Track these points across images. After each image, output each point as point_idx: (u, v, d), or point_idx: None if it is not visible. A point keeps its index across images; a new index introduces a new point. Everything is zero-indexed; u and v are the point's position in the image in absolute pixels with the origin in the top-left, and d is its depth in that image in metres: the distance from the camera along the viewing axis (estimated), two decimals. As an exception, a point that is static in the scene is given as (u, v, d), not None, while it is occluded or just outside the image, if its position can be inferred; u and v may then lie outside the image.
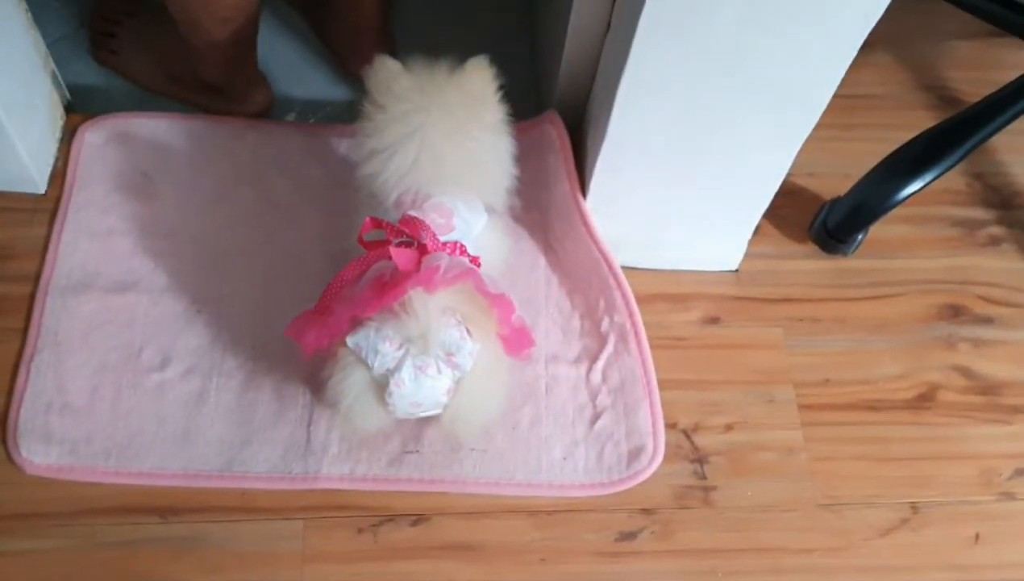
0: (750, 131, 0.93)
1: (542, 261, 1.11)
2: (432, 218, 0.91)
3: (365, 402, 0.89)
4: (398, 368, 0.85)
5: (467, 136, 0.93)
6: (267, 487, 0.96)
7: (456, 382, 0.88)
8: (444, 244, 0.90)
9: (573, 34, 1.01)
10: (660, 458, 1.00)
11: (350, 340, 0.86)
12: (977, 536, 1.01)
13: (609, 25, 0.97)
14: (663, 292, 1.11)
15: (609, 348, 1.05)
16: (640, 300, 1.08)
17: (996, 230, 1.20)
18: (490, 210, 0.97)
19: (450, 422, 0.91)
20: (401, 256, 0.85)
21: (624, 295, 1.06)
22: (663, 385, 1.04)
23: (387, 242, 0.88)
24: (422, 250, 0.87)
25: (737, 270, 1.13)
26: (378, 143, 0.92)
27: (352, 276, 0.89)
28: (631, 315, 1.05)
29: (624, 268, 1.09)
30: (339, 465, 0.97)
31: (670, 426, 1.03)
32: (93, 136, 1.13)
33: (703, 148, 0.95)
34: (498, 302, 0.88)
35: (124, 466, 0.96)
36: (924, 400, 1.08)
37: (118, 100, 1.19)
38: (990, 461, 1.05)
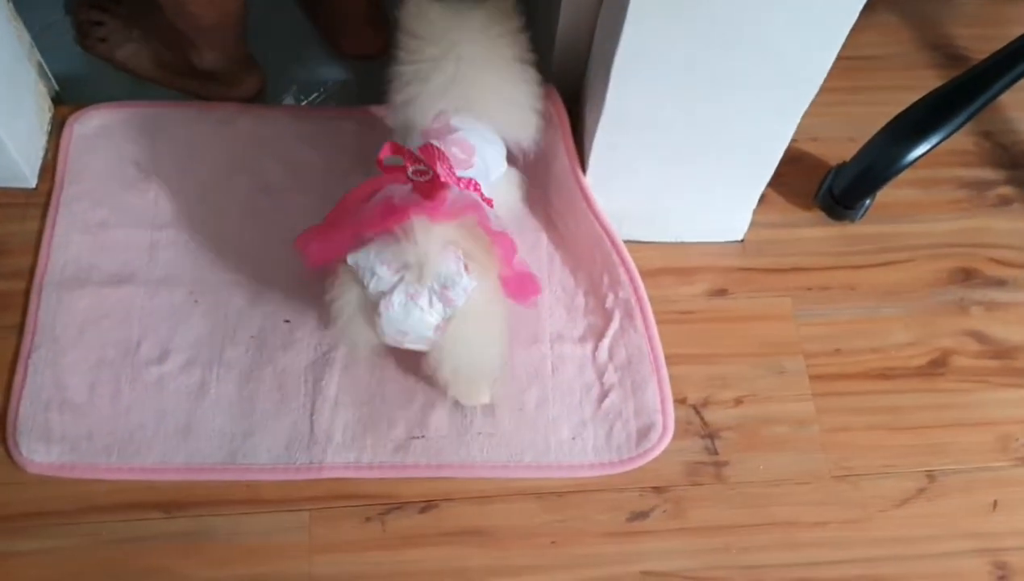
0: (750, 102, 0.90)
1: (544, 238, 1.09)
2: (453, 152, 0.91)
3: (357, 321, 0.89)
4: (390, 292, 0.85)
5: (497, 63, 0.97)
6: (271, 478, 0.95)
7: (446, 320, 0.87)
8: (459, 179, 0.90)
9: (567, 5, 0.99)
10: (670, 435, 0.99)
11: (350, 258, 0.87)
12: (995, 503, 0.99)
13: (603, -4, 0.94)
14: (668, 265, 1.09)
15: (615, 325, 1.03)
16: (645, 274, 1.06)
17: (1006, 190, 1.17)
18: (512, 158, 1.01)
19: (438, 363, 0.89)
20: (416, 182, 0.86)
21: (628, 270, 1.04)
22: (671, 360, 1.02)
23: (403, 168, 0.87)
24: (435, 180, 0.86)
25: (743, 240, 1.11)
26: (416, 64, 0.96)
27: (364, 194, 0.91)
28: (636, 290, 1.03)
29: (627, 242, 1.07)
30: (344, 453, 0.96)
31: (679, 402, 1.01)
32: (82, 127, 1.11)
33: (703, 120, 0.93)
34: (500, 240, 0.88)
35: (126, 462, 0.95)
36: (937, 366, 1.06)
37: (108, 88, 1.17)
38: (1006, 426, 1.03)
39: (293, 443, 0.96)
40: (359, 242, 0.86)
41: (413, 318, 0.86)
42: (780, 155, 1.00)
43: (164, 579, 0.91)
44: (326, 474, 0.95)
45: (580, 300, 1.06)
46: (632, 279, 1.04)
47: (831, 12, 0.81)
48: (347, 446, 0.96)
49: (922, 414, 1.03)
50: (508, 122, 0.99)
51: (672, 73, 0.88)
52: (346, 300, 0.88)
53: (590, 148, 1.00)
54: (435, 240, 0.84)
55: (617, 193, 1.03)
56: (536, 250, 1.08)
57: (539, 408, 1.00)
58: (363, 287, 0.87)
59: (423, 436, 0.98)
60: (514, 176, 1.04)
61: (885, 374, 1.05)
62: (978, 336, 1.08)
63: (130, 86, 1.17)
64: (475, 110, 0.96)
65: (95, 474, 0.94)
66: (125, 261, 1.04)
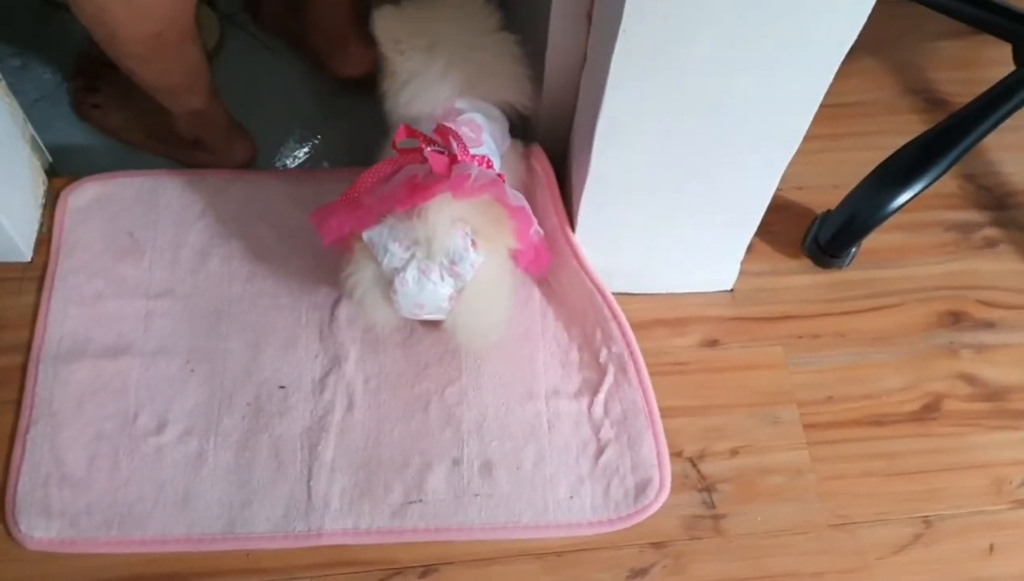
0: (732, 160, 0.92)
1: (537, 293, 1.10)
2: (464, 131, 0.96)
3: (373, 295, 0.95)
4: (404, 268, 0.91)
5: (480, 40, 1.02)
6: (271, 547, 0.95)
7: (458, 291, 0.93)
8: (473, 156, 0.94)
9: (551, 68, 1.00)
10: (667, 490, 0.99)
11: (366, 235, 0.92)
12: (992, 547, 1.00)
13: (585, 57, 0.96)
14: (660, 317, 1.10)
15: (609, 379, 1.04)
16: (638, 327, 1.07)
17: (992, 232, 1.19)
18: (513, 128, 1.06)
19: (452, 330, 0.97)
20: (436, 160, 0.90)
21: (620, 325, 1.05)
22: (666, 413, 1.03)
23: (419, 149, 0.93)
24: (452, 159, 0.91)
25: (732, 290, 1.12)
26: (407, 63, 1.01)
27: (385, 173, 0.94)
28: (628, 344, 1.04)
29: (619, 295, 1.08)
30: (342, 520, 0.96)
31: (675, 455, 1.02)
32: (76, 199, 1.12)
33: (686, 179, 0.94)
34: (518, 214, 0.94)
35: (126, 534, 0.95)
36: (929, 411, 1.06)
37: (101, 159, 1.18)
38: (1000, 469, 1.04)
39: (291, 510, 0.97)
40: (379, 220, 0.92)
41: (427, 292, 0.92)
42: (765, 207, 1.01)
43: (166, 653, 0.91)
44: (325, 541, 0.96)
45: (574, 355, 1.06)
46: (624, 333, 1.05)
47: (807, 74, 0.83)
48: (345, 512, 0.97)
49: (916, 459, 1.04)
50: (506, 92, 1.04)
51: (654, 136, 0.89)
52: (362, 276, 0.94)
53: (578, 208, 1.01)
54: (444, 217, 0.89)
55: (606, 249, 1.05)
56: (529, 305, 1.09)
57: (536, 467, 1.00)
58: (378, 264, 0.92)
59: (420, 500, 0.98)
60: (519, 146, 1.08)
61: (878, 420, 1.06)
62: (969, 379, 1.09)
63: (124, 155, 1.19)
64: (474, 89, 1.01)
65: (95, 548, 0.94)
66: (121, 332, 1.04)
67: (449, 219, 0.90)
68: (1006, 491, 1.02)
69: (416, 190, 0.89)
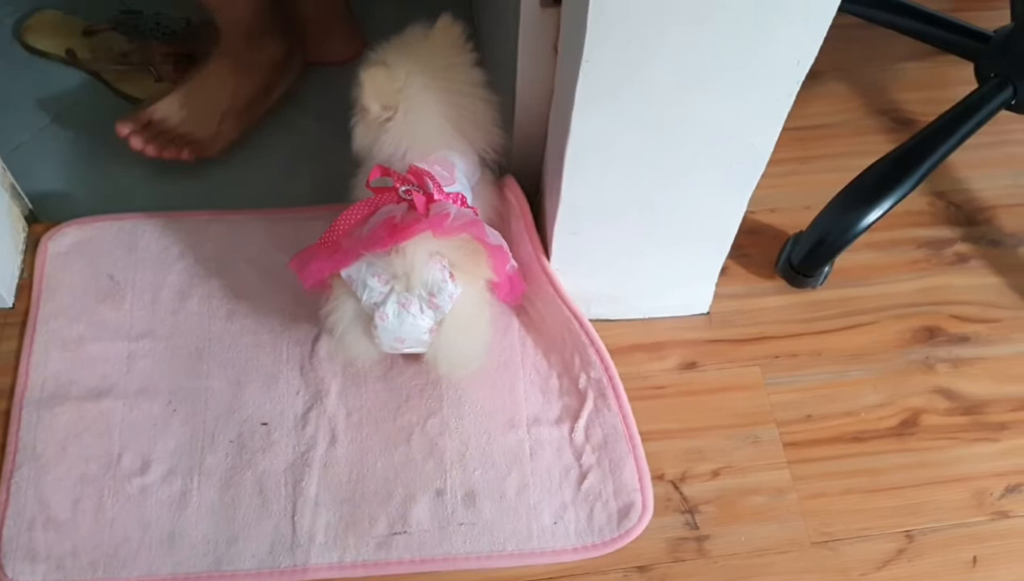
0: (700, 184, 0.94)
1: (515, 322, 1.11)
2: (436, 170, 0.97)
3: (354, 331, 0.96)
4: (383, 303, 0.93)
5: (451, 90, 1.01)
6: (257, 583, 0.96)
7: (438, 323, 0.95)
8: (448, 194, 0.96)
9: (521, 100, 1.02)
10: (650, 513, 1.00)
11: (344, 272, 0.93)
12: (975, 559, 1.00)
13: (553, 89, 0.98)
14: (638, 342, 1.11)
15: (589, 405, 1.05)
16: (616, 352, 1.08)
17: (962, 247, 1.20)
18: (483, 163, 1.06)
19: (433, 362, 0.99)
20: (416, 200, 0.93)
21: (598, 350, 1.06)
22: (647, 436, 1.04)
23: (394, 189, 0.95)
24: (429, 198, 0.94)
25: (708, 313, 1.14)
26: (383, 117, 0.99)
27: (363, 215, 0.96)
28: (607, 370, 1.05)
29: (597, 321, 1.09)
30: (327, 554, 0.97)
31: (657, 478, 1.03)
32: (56, 245, 1.13)
33: (657, 203, 0.96)
34: (496, 253, 0.96)
35: (112, 575, 0.95)
36: (908, 426, 1.08)
37: (81, 205, 1.19)
38: (980, 481, 1.05)
39: (276, 546, 0.97)
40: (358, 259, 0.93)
41: (407, 325, 0.94)
42: (735, 230, 1.03)
43: None
44: (311, 576, 0.96)
45: (554, 382, 1.07)
46: (602, 359, 1.06)
47: (768, 96, 0.85)
48: (330, 546, 0.97)
49: (897, 475, 1.05)
50: (479, 144, 1.04)
51: (622, 161, 0.91)
52: (342, 312, 0.95)
53: (552, 236, 1.03)
54: (421, 251, 0.91)
55: (582, 276, 1.06)
56: (508, 334, 1.10)
57: (519, 495, 1.01)
58: (357, 300, 0.94)
59: (405, 531, 0.98)
60: (490, 176, 1.09)
61: (857, 437, 1.07)
62: (946, 393, 1.10)
63: (106, 198, 1.20)
64: (449, 144, 1.01)
65: (82, 591, 0.94)
66: (103, 374, 1.05)
67: (427, 253, 0.92)
68: (987, 503, 1.03)
69: (396, 231, 0.91)
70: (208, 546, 0.97)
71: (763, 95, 0.84)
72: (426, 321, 0.94)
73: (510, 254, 1.00)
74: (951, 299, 1.16)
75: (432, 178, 0.95)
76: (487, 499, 1.00)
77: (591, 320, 1.08)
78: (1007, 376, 1.11)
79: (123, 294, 1.10)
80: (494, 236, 0.97)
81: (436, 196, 0.94)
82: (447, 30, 1.01)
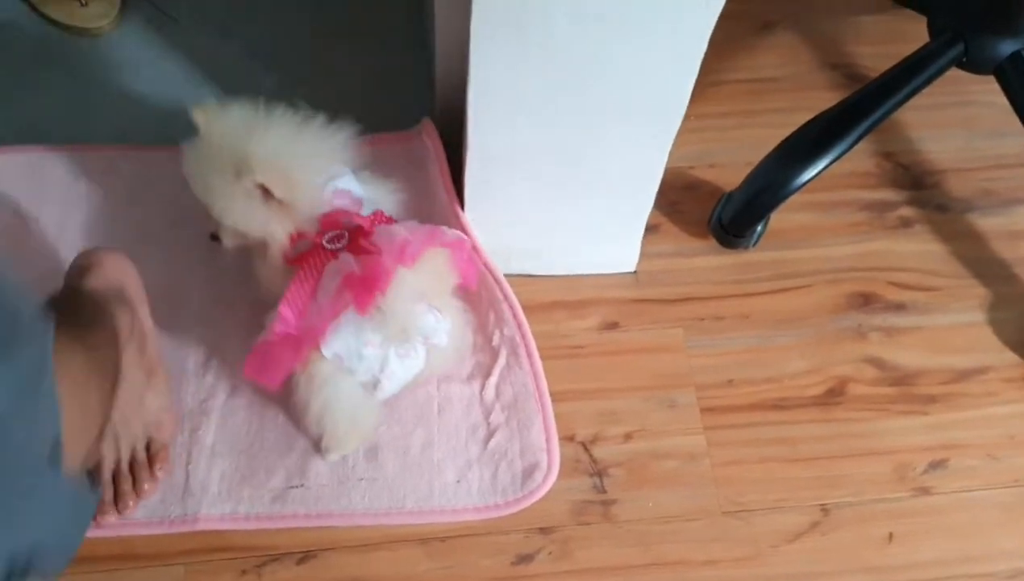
0: (616, 134, 0.89)
1: (433, 275, 1.07)
2: (338, 204, 0.91)
3: (361, 407, 0.92)
4: (385, 364, 0.88)
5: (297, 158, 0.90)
6: (145, 532, 0.93)
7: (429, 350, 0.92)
8: (371, 218, 0.91)
9: (440, 45, 0.98)
10: (555, 474, 0.97)
11: (329, 352, 0.86)
12: (891, 535, 0.97)
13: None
14: (560, 299, 1.07)
15: (501, 362, 1.01)
16: (537, 309, 1.04)
17: (907, 211, 1.15)
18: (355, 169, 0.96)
19: (429, 370, 0.96)
20: (355, 238, 0.87)
21: (511, 307, 1.02)
22: (561, 397, 1.01)
23: (316, 246, 0.88)
24: (361, 231, 0.88)
25: (635, 271, 1.09)
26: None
27: (309, 290, 0.88)
28: (519, 327, 1.02)
29: (517, 276, 1.05)
30: (220, 505, 0.94)
31: (567, 439, 0.99)
32: (-38, 176, 1.09)
33: (571, 154, 0.91)
34: (457, 247, 0.92)
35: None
36: (833, 395, 1.04)
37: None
38: (904, 455, 1.01)
39: (168, 495, 0.94)
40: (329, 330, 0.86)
41: (411, 368, 0.92)
42: (657, 185, 0.98)
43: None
44: (201, 526, 0.93)
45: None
46: (516, 316, 1.02)
47: (679, 41, 0.80)
48: (223, 497, 0.94)
49: (817, 445, 1.01)
50: (334, 156, 0.94)
51: (530, 104, 0.86)
52: (339, 395, 0.89)
53: (464, 184, 0.98)
54: (407, 299, 0.85)
55: (499, 229, 1.02)
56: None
57: (424, 451, 0.98)
58: (349, 374, 0.88)
59: (302, 485, 0.95)
60: (365, 175, 0.98)
61: (779, 404, 1.03)
62: (876, 363, 1.06)
63: (13, 132, 1.15)
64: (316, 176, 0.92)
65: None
66: None
67: (411, 299, 0.86)
68: (909, 478, 1.00)
69: (368, 282, 0.83)
70: (95, 495, 0.94)
71: (674, 38, 0.79)
72: (423, 354, 0.92)
73: (465, 238, 0.95)
74: (890, 265, 1.12)
75: (345, 212, 0.89)
76: (390, 454, 0.97)
77: (512, 275, 1.05)
78: (942, 347, 1.07)
79: (27, 231, 1.07)
80: (448, 233, 0.92)
81: (368, 226, 0.88)
82: (205, 113, 0.90)
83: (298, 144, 0.89)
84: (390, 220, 0.94)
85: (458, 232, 0.94)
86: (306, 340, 0.87)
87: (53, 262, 1.05)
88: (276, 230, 0.90)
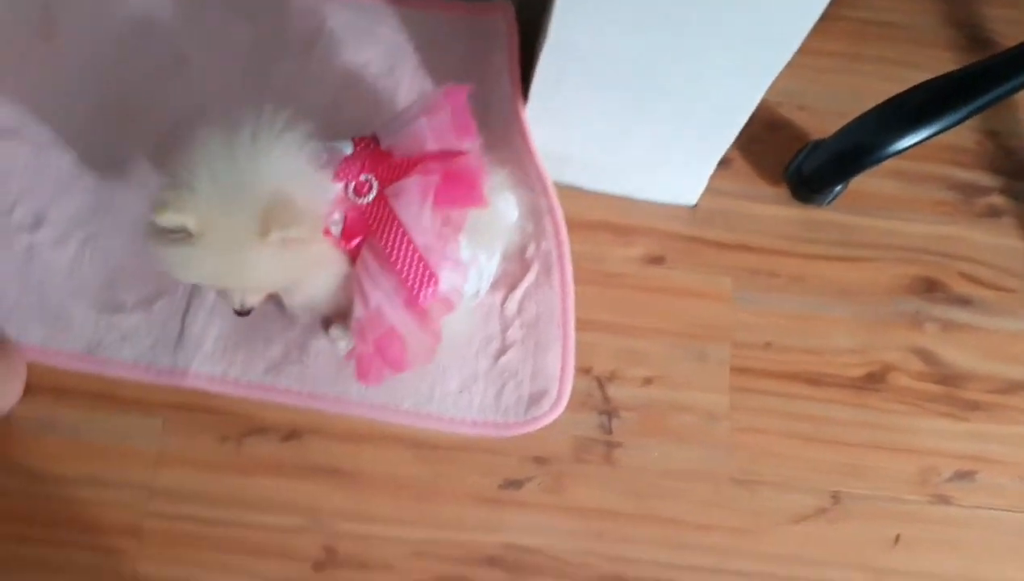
0: (715, 53, 0.79)
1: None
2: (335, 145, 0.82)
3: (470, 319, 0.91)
4: (482, 272, 0.85)
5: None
6: (130, 376, 0.89)
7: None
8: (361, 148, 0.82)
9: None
10: (563, 406, 0.91)
11: (446, 283, 0.78)
12: (898, 537, 0.92)
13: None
14: (608, 220, 0.99)
15: (531, 277, 0.94)
16: (581, 227, 0.97)
17: (998, 200, 1.05)
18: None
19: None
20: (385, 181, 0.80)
21: (555, 222, 0.94)
22: (586, 325, 0.94)
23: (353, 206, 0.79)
24: (383, 163, 0.81)
25: (695, 206, 1.01)
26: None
27: (407, 240, 0.78)
28: (559, 246, 0.94)
29: (568, 187, 0.97)
30: (211, 364, 0.89)
31: (583, 371, 0.93)
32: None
33: (659, 66, 0.81)
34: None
35: (-22, 330, 0.88)
36: (873, 381, 0.97)
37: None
38: (932, 458, 0.95)
39: (159, 343, 0.89)
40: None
41: (496, 260, 0.87)
42: (745, 118, 0.88)
43: (-4, 466, 0.86)
44: (188, 382, 0.89)
45: (500, 242, 0.97)
46: (558, 233, 0.94)
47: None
48: (216, 357, 0.89)
49: (844, 430, 0.95)
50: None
51: (625, 6, 0.76)
52: (456, 322, 0.84)
53: (533, 78, 0.89)
54: (499, 196, 0.83)
55: (560, 133, 0.93)
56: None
57: (432, 353, 0.92)
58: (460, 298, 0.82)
59: (300, 361, 0.90)
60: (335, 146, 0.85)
61: (815, 379, 0.96)
62: (926, 356, 0.98)
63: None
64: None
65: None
66: (15, 113, 0.95)
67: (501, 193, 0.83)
68: (931, 483, 0.94)
69: (463, 179, 0.79)
70: (87, 326, 0.89)
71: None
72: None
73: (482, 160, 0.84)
74: (966, 254, 1.02)
75: (344, 171, 0.79)
76: (395, 349, 0.91)
77: (563, 185, 0.97)
78: (999, 353, 0.99)
79: (55, 30, 0.98)
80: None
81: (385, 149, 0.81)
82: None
83: (285, 174, 0.75)
84: (372, 141, 0.83)
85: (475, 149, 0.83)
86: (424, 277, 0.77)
87: (80, 67, 0.97)
88: (321, 252, 0.79)
